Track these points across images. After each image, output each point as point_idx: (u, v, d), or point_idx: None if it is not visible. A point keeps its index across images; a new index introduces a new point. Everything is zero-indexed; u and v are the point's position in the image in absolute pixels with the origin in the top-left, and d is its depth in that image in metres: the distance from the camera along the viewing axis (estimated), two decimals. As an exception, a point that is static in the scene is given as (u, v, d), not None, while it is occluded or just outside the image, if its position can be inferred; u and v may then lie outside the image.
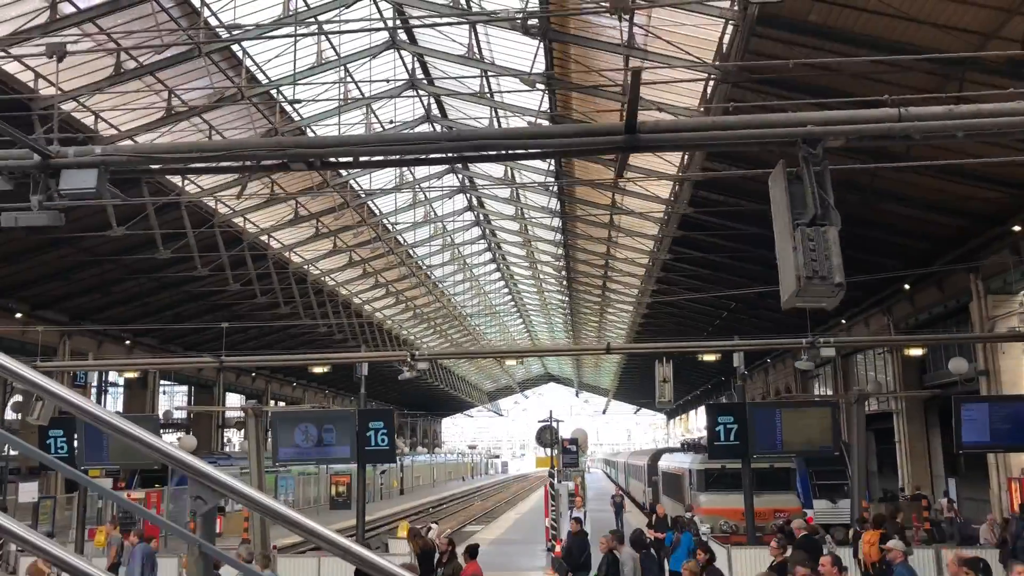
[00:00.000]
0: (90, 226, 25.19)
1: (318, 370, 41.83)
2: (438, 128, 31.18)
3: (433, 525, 16.83)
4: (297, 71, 24.53)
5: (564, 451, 23.96)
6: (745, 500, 16.30)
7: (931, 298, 30.14)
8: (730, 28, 19.17)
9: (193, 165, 7.65)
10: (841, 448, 19.40)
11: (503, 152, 11.40)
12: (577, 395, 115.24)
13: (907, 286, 30.64)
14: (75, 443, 16.43)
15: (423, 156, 7.64)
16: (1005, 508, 25.84)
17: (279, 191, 30.27)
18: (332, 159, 7.10)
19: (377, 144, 7.19)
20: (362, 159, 7.22)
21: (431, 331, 62.31)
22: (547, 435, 22.92)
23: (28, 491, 21.05)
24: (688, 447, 29.06)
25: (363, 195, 33.29)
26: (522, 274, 52.76)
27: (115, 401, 52.48)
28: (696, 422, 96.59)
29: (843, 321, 38.41)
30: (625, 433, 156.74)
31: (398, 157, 7.88)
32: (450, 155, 7.82)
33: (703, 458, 22.72)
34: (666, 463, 30.83)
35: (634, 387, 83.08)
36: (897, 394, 25.04)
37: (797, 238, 5.70)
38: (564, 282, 47.97)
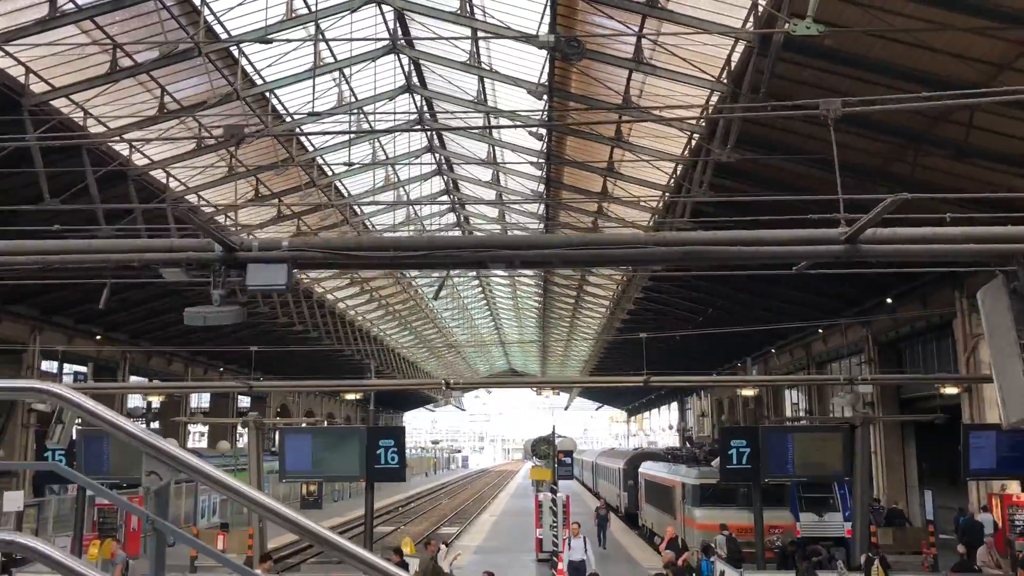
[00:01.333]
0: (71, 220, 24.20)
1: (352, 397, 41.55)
2: (430, 135, 30.86)
3: (443, 547, 16.58)
4: (293, 73, 24.27)
5: (560, 463, 23.90)
6: (756, 524, 16.33)
7: (913, 311, 30.57)
8: (740, 47, 19.27)
9: (396, 261, 7.31)
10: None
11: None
12: (539, 393, 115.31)
13: (889, 300, 31.06)
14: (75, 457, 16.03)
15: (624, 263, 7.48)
16: (987, 524, 26.33)
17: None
18: (532, 260, 6.88)
19: (577, 247, 6.99)
20: (560, 260, 7.00)
21: (396, 323, 61.25)
22: (544, 447, 22.83)
23: (13, 499, 20.38)
24: (676, 457, 29.04)
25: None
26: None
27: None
28: (659, 420, 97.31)
29: (820, 331, 38.86)
30: (581, 428, 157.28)
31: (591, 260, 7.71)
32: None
33: (699, 472, 22.74)
34: (650, 471, 30.72)
35: (606, 390, 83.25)
36: (903, 418, 24.72)
37: (1031, 362, 5.54)
38: (541, 283, 47.59)
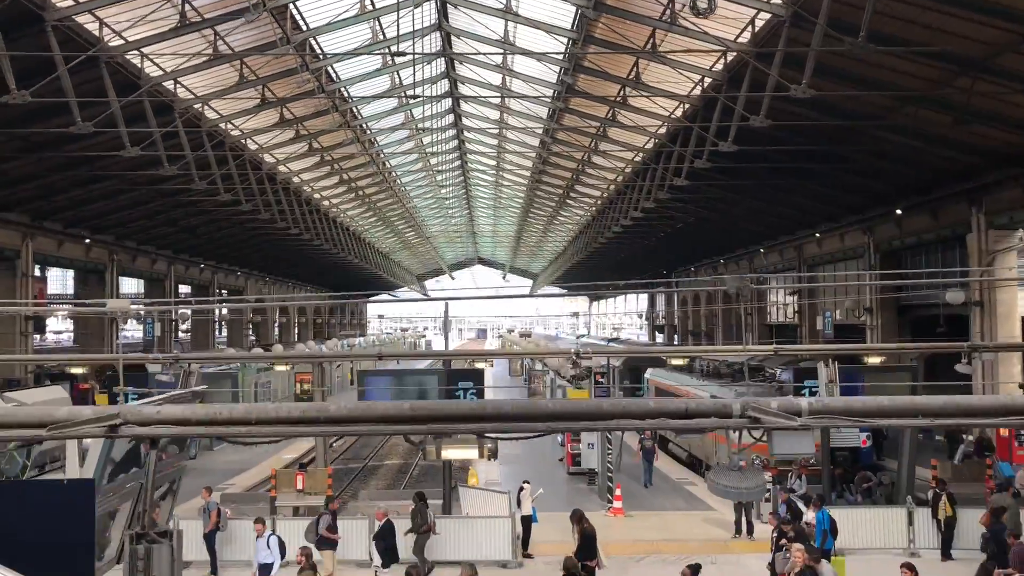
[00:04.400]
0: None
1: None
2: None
3: (525, 485, 16.81)
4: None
5: (596, 383, 24.28)
6: (823, 456, 16.85)
7: (922, 224, 31.01)
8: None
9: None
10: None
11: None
12: (504, 277, 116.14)
13: (899, 211, 31.43)
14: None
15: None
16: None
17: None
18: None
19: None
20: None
21: (371, 213, 58.80)
22: (582, 372, 23.12)
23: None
24: (691, 368, 29.17)
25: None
26: (483, 148, 49.42)
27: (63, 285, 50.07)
28: (624, 305, 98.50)
29: (816, 235, 39.38)
30: (533, 308, 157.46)
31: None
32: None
33: (735, 389, 23.05)
34: (667, 380, 30.75)
35: (572, 276, 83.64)
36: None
37: None
38: (535, 163, 46.10)
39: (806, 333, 41.12)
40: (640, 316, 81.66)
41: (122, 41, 22.16)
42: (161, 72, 24.42)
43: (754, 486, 3.74)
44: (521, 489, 16.48)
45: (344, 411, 3.46)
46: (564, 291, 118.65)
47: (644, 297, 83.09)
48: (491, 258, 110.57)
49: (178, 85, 25.52)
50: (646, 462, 23.82)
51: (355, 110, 35.27)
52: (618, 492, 19.93)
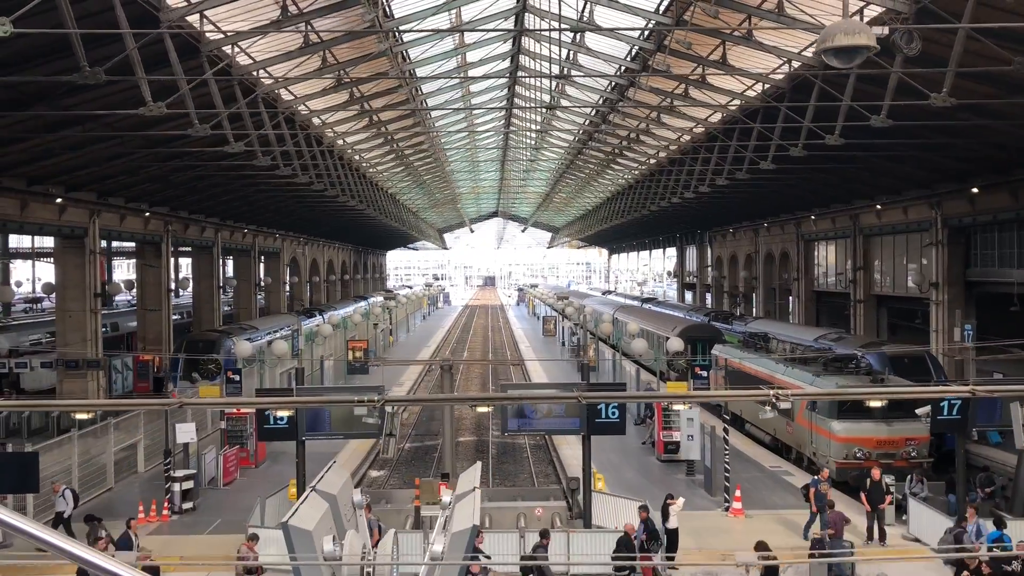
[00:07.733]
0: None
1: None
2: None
3: (674, 500, 16.90)
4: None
5: (695, 376, 24.33)
6: (958, 467, 17.01)
7: (999, 202, 30.84)
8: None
9: None
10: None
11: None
12: (524, 231, 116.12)
13: (975, 190, 31.26)
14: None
15: None
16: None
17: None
18: None
19: None
20: None
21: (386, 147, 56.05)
22: (681, 363, 23.24)
23: (186, 431, 20.40)
24: (768, 350, 29.02)
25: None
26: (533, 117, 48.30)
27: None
28: (651, 263, 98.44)
29: (878, 207, 39.23)
30: (540, 255, 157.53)
31: None
32: None
33: (836, 384, 23.06)
34: (753, 365, 30.04)
35: (603, 232, 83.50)
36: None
37: None
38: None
39: (862, 311, 41.07)
40: (669, 273, 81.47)
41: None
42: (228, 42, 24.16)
43: None
44: (669, 504, 16.57)
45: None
46: (585, 244, 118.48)
47: (672, 252, 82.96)
48: (514, 212, 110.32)
49: (261, 71, 25.34)
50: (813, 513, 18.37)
51: (395, 33, 29.14)
52: (738, 493, 20.15)
